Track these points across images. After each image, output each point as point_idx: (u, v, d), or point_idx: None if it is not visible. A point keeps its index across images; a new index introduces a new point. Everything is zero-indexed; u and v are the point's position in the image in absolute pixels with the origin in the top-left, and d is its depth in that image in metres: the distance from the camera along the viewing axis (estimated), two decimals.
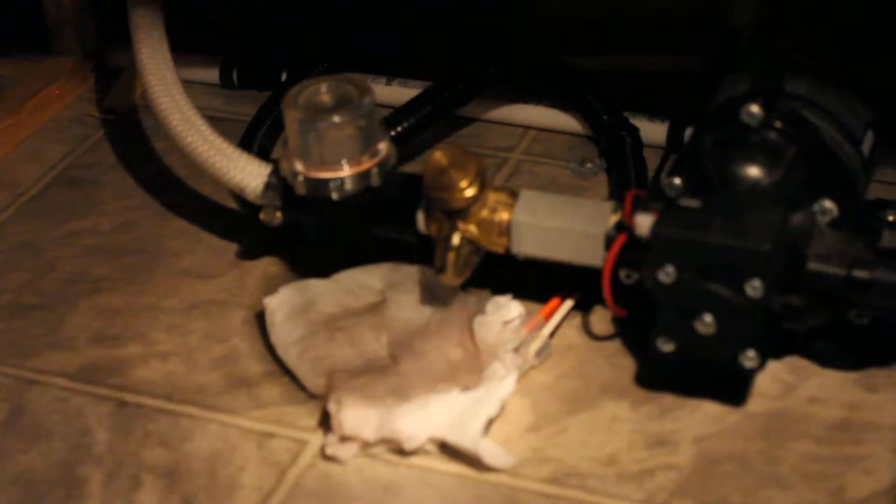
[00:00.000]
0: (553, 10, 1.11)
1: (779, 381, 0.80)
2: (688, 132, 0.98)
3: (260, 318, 0.86)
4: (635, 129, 1.00)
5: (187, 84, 0.95)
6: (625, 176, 0.96)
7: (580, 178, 1.00)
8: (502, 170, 1.02)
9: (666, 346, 0.76)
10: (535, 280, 0.85)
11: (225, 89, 1.15)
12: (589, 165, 1.00)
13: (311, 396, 0.81)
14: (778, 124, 0.77)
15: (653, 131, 1.01)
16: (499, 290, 0.85)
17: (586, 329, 0.85)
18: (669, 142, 1.00)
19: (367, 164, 0.82)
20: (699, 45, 1.04)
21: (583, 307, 0.86)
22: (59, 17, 1.18)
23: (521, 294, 0.84)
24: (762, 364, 0.74)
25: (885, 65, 0.90)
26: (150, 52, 0.97)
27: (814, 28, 0.94)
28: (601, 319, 0.86)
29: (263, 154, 1.01)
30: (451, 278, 0.80)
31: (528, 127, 1.06)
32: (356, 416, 0.77)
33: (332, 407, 0.78)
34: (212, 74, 1.15)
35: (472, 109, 1.05)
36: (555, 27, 1.11)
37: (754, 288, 0.72)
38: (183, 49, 1.00)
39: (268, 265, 0.93)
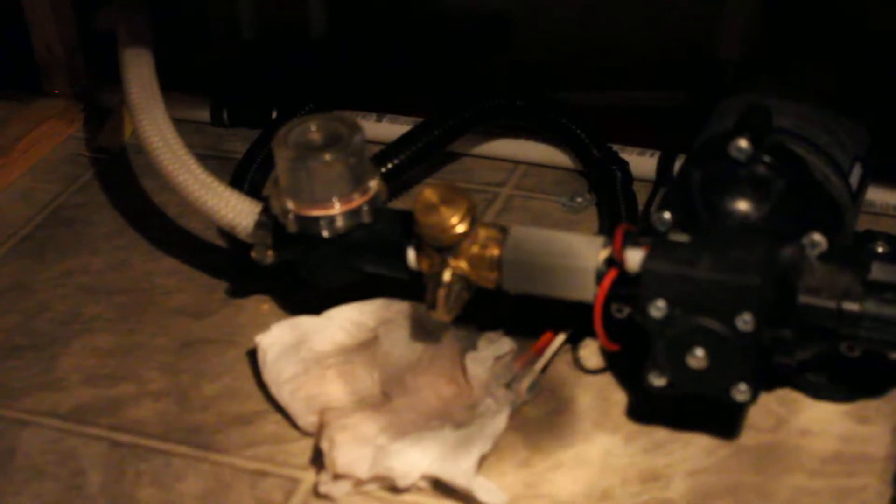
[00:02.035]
0: (539, 46, 1.12)
1: (771, 413, 0.80)
2: (677, 165, 0.99)
3: (252, 356, 0.86)
4: (625, 163, 1.00)
5: (178, 123, 0.95)
6: (615, 210, 0.97)
7: (571, 212, 1.01)
8: (493, 205, 1.02)
9: (658, 381, 0.76)
10: (525, 315, 0.85)
11: (215, 128, 1.15)
12: (579, 200, 1.01)
13: (304, 434, 0.81)
14: (766, 158, 0.78)
15: (642, 165, 1.01)
16: (490, 325, 0.85)
17: (578, 363, 0.85)
18: (659, 175, 1.01)
19: (358, 201, 0.83)
20: (687, 79, 1.05)
21: (574, 341, 0.86)
22: (49, 58, 1.18)
23: (512, 329, 0.84)
24: (754, 397, 0.74)
25: (874, 96, 0.91)
26: (141, 92, 0.97)
27: (801, 61, 0.95)
28: (592, 353, 0.86)
29: (254, 192, 1.01)
30: (442, 315, 0.80)
31: (518, 162, 1.07)
32: (349, 454, 0.77)
33: (324, 445, 0.78)
34: (202, 113, 1.15)
35: (461, 145, 1.05)
36: (542, 63, 1.11)
37: (745, 322, 0.72)
38: (173, 88, 1.01)
39: (259, 303, 0.93)
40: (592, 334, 0.80)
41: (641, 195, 0.99)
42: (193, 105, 1.15)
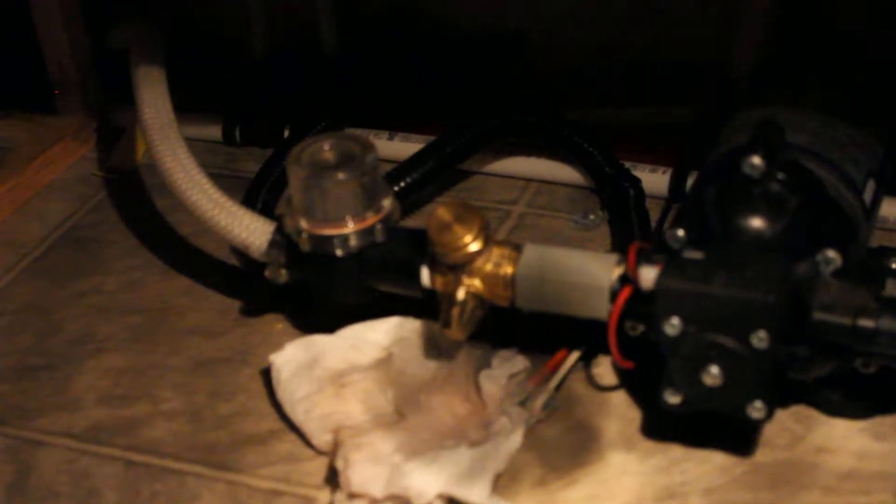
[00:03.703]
0: (553, 63, 1.12)
1: (786, 430, 0.80)
2: (690, 181, 0.99)
3: (266, 375, 0.86)
4: (637, 180, 1.00)
5: (190, 141, 0.95)
6: (628, 227, 0.97)
7: (583, 229, 1.00)
8: (505, 223, 1.02)
9: (673, 398, 0.76)
10: (539, 332, 0.85)
11: (227, 146, 1.15)
12: (592, 217, 1.01)
13: (319, 453, 0.81)
14: (780, 175, 0.78)
15: (655, 182, 1.01)
16: (504, 343, 0.85)
17: (592, 381, 0.85)
18: (672, 192, 1.01)
19: (371, 220, 0.83)
20: (699, 95, 1.05)
21: (588, 358, 0.86)
22: (62, 78, 1.19)
23: (525, 346, 0.84)
24: (770, 415, 0.74)
25: (887, 111, 0.90)
26: (154, 112, 0.97)
27: (813, 76, 0.94)
28: (607, 371, 0.86)
29: (267, 210, 1.01)
30: (456, 333, 0.80)
31: (529, 179, 1.07)
32: (364, 473, 0.77)
33: (339, 464, 0.78)
34: (214, 132, 1.15)
35: (473, 163, 1.05)
36: (555, 80, 1.11)
37: (760, 339, 0.72)
38: (185, 106, 1.01)
39: (272, 322, 0.93)
40: (606, 351, 0.80)
41: (654, 212, 0.99)
42: (205, 124, 1.15)
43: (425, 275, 0.82)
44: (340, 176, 0.81)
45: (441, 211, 0.80)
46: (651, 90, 1.09)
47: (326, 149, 0.83)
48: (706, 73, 1.05)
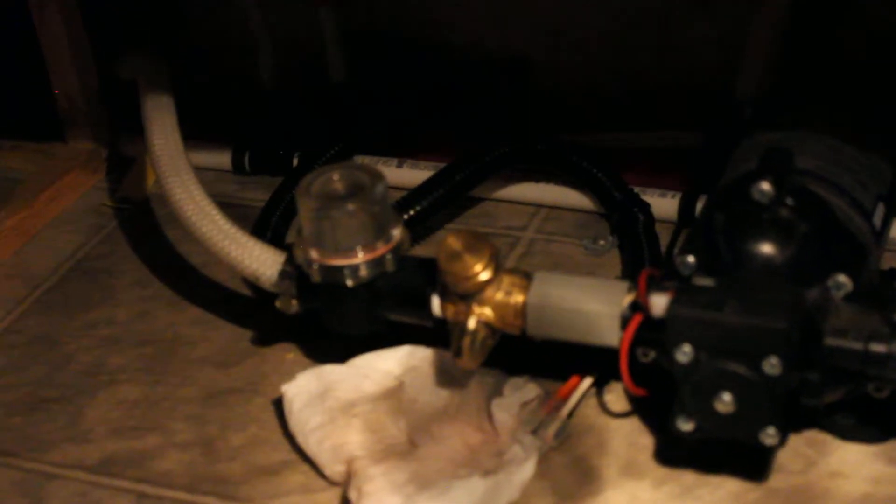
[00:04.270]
0: (558, 88, 1.12)
1: (799, 455, 0.80)
2: (699, 206, 0.99)
3: (278, 406, 0.86)
4: (646, 205, 1.00)
5: (199, 170, 0.96)
6: (638, 252, 0.97)
7: (593, 255, 1.01)
8: (515, 249, 1.02)
9: (686, 425, 0.76)
10: (551, 358, 0.85)
11: (237, 175, 1.16)
12: (602, 242, 1.01)
13: (332, 484, 0.81)
14: (789, 201, 0.78)
15: (664, 206, 1.01)
16: (515, 370, 0.85)
17: (604, 408, 0.85)
18: (681, 216, 1.01)
19: (382, 249, 0.83)
20: (706, 119, 1.05)
21: (599, 385, 0.86)
22: (71, 110, 1.19)
23: (537, 373, 0.84)
24: (783, 441, 0.74)
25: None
26: (164, 143, 0.98)
27: (821, 100, 0.94)
28: (618, 398, 0.86)
29: (277, 239, 1.02)
30: (468, 362, 0.80)
31: (539, 205, 1.07)
32: None
33: (352, 494, 0.78)
34: (223, 160, 1.16)
35: (482, 189, 1.05)
36: (561, 105, 1.12)
37: (772, 365, 0.72)
38: (194, 135, 1.01)
39: (284, 351, 0.93)
40: (618, 377, 0.80)
41: (663, 237, 0.99)
42: (215, 153, 1.15)
43: (436, 304, 0.82)
44: (350, 207, 0.81)
45: (451, 240, 0.80)
46: (657, 114, 1.09)
47: (336, 179, 0.83)
48: (712, 97, 1.05)
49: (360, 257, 0.82)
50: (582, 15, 1.08)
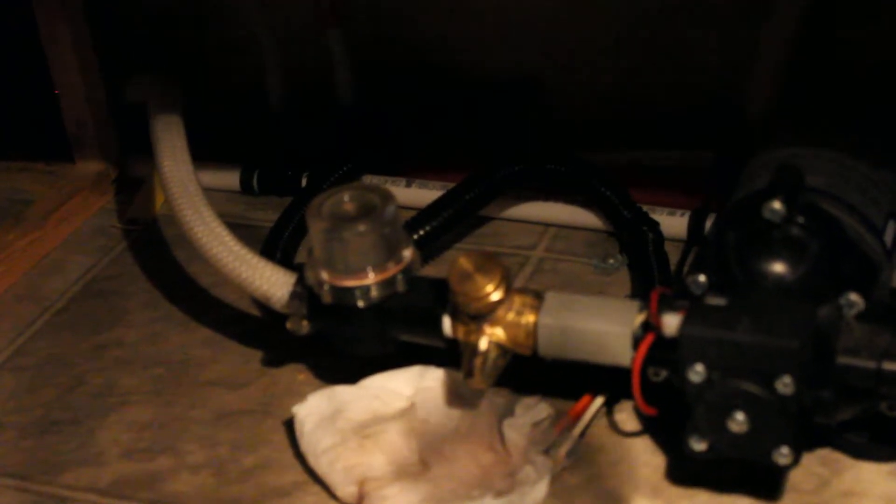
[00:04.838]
0: (568, 107, 1.12)
1: (813, 475, 0.80)
2: (708, 224, 0.99)
3: (289, 427, 0.86)
4: (656, 224, 1.00)
5: (208, 191, 0.96)
6: (648, 271, 0.97)
7: (603, 274, 1.00)
8: (524, 268, 1.02)
9: (699, 445, 0.76)
10: (562, 377, 0.84)
11: (245, 195, 1.16)
12: (611, 261, 1.01)
13: None
14: (800, 220, 0.77)
15: (673, 225, 1.01)
16: (527, 389, 0.85)
17: (615, 427, 0.85)
18: (690, 234, 1.01)
19: (392, 270, 0.83)
20: (715, 137, 1.05)
21: (610, 404, 0.86)
22: (79, 132, 1.19)
23: (548, 392, 0.84)
24: (797, 461, 0.74)
25: None
26: (173, 164, 0.98)
27: (831, 118, 0.95)
28: (630, 417, 0.85)
29: (287, 259, 1.02)
30: (479, 383, 0.80)
31: (548, 224, 1.07)
32: None
33: None
34: (232, 181, 1.16)
35: (491, 208, 1.05)
36: (570, 124, 1.12)
37: (785, 385, 0.72)
38: (203, 156, 1.01)
39: (294, 372, 0.93)
40: (629, 395, 0.80)
41: (673, 255, 0.99)
42: (223, 173, 1.16)
43: (447, 324, 0.82)
44: (361, 228, 0.81)
45: (462, 260, 0.80)
46: (666, 133, 1.09)
47: (346, 200, 0.83)
48: (722, 115, 1.05)
49: (371, 278, 0.82)
50: (591, 34, 1.09)
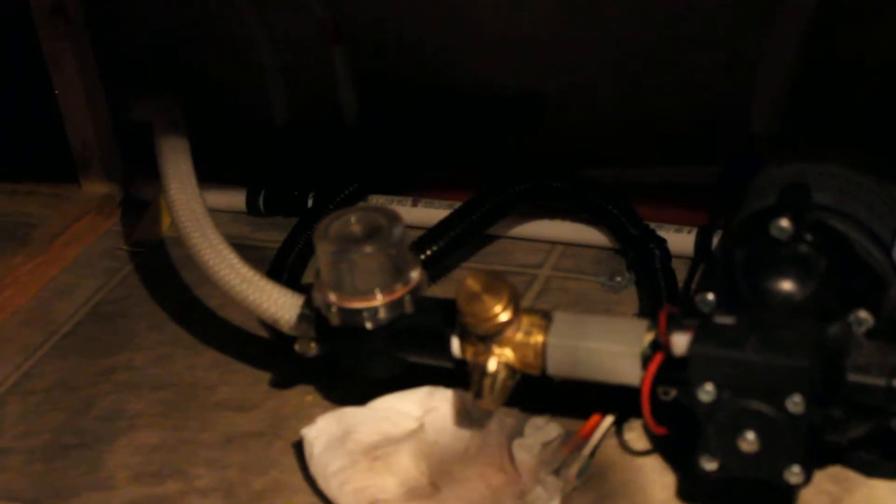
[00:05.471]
0: (573, 124, 1.12)
1: (823, 492, 0.79)
2: (715, 240, 0.99)
3: (298, 449, 0.86)
4: (663, 241, 1.00)
5: (214, 212, 0.96)
6: (655, 288, 0.97)
7: (611, 291, 1.00)
8: (532, 287, 1.02)
9: (709, 465, 0.75)
10: (571, 397, 0.84)
11: (251, 216, 1.16)
12: (619, 279, 1.01)
13: None
14: (808, 237, 0.77)
15: (680, 242, 1.01)
16: (536, 409, 0.84)
17: (625, 446, 0.85)
18: (698, 251, 1.01)
19: (400, 292, 0.83)
20: (721, 153, 1.05)
21: (619, 423, 0.86)
22: (84, 154, 1.20)
23: (558, 411, 0.84)
24: (808, 479, 0.74)
25: None
26: (179, 186, 0.98)
27: (837, 134, 0.95)
28: (639, 436, 0.85)
29: (294, 280, 1.02)
30: (488, 404, 0.80)
31: (555, 242, 1.07)
32: None
33: None
34: (238, 202, 1.16)
35: (498, 227, 1.05)
36: (576, 141, 1.12)
37: (795, 403, 0.72)
38: (209, 177, 1.01)
39: (303, 394, 0.93)
40: (638, 414, 0.80)
41: (680, 272, 0.99)
42: (229, 194, 1.16)
43: (455, 345, 0.82)
44: (368, 249, 0.81)
45: (470, 281, 0.80)
46: (672, 149, 1.09)
47: (353, 222, 0.83)
48: (728, 131, 1.05)
49: (379, 300, 0.82)
50: (594, 52, 1.09)
